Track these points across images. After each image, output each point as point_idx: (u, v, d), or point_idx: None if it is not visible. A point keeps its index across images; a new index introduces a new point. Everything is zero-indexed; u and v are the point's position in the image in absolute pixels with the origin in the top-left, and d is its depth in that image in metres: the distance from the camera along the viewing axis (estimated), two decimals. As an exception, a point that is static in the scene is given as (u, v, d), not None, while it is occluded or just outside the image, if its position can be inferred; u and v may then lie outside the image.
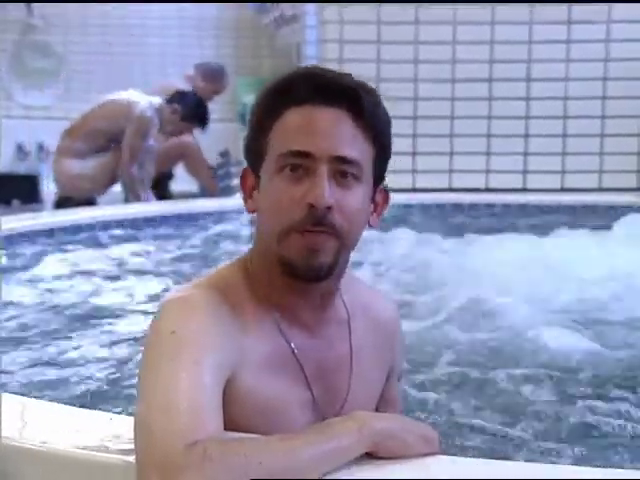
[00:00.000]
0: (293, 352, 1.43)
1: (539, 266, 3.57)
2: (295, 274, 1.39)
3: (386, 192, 1.48)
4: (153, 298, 3.36)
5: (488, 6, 5.35)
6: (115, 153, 5.74)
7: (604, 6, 5.35)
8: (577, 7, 5.38)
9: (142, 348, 1.36)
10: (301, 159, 1.36)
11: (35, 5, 8.52)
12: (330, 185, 1.36)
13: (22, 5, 8.48)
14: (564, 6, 5.38)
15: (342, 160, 1.37)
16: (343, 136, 1.37)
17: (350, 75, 1.42)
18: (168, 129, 5.79)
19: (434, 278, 3.53)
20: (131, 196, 5.72)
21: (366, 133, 1.39)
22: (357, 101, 1.37)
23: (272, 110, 1.40)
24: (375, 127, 1.40)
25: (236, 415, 1.34)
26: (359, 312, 1.53)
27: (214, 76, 6.67)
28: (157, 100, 5.76)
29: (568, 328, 2.96)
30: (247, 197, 1.46)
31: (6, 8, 8.37)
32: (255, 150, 1.43)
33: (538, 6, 5.38)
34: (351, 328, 1.51)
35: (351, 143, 1.37)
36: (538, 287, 3.38)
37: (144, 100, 5.74)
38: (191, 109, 5.74)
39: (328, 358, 1.48)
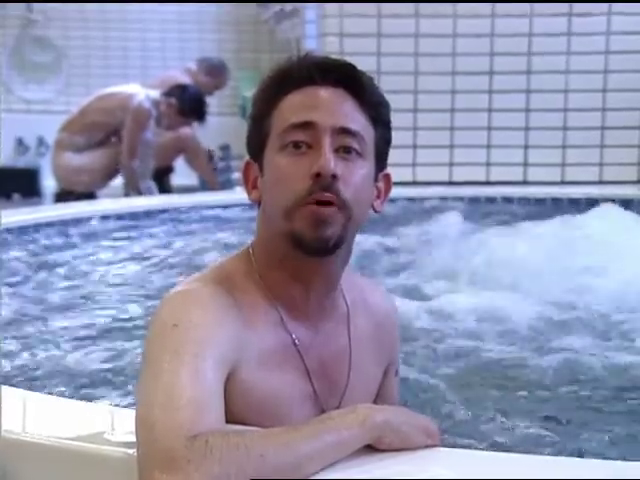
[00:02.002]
0: (295, 345, 1.43)
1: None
2: (305, 247, 1.38)
3: (388, 178, 1.48)
4: (155, 290, 3.36)
5: (488, -2, 5.34)
6: (114, 146, 5.74)
7: (605, -2, 5.35)
8: (578, -1, 5.38)
9: (143, 340, 1.36)
10: (303, 132, 1.37)
11: (34, 0, 8.51)
12: (334, 158, 1.36)
13: None
14: (565, -2, 5.37)
15: (345, 132, 1.37)
16: (345, 110, 1.38)
17: (346, 61, 1.43)
18: (164, 123, 5.78)
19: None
20: (131, 189, 5.71)
21: (366, 112, 1.40)
22: (356, 81, 1.39)
23: (272, 97, 1.41)
24: (375, 107, 1.41)
25: (238, 408, 1.34)
26: (359, 307, 1.54)
27: (216, 71, 6.67)
28: (155, 93, 5.75)
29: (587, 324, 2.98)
30: (250, 188, 1.46)
31: (5, 3, 8.36)
32: (257, 137, 1.43)
33: (538, -2, 5.37)
34: (350, 323, 1.52)
35: (353, 117, 1.39)
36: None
37: (142, 93, 5.73)
38: (188, 103, 5.73)
39: (329, 352, 1.48)
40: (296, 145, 1.37)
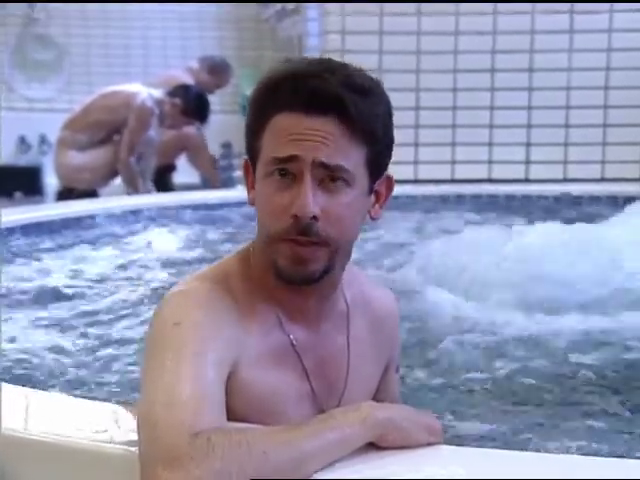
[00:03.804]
0: (293, 345, 1.43)
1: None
2: (286, 280, 1.40)
3: (390, 180, 1.47)
4: (156, 289, 3.36)
5: (490, -4, 5.34)
6: (116, 145, 5.73)
7: (607, -4, 5.34)
8: (579, -3, 5.37)
9: (145, 339, 1.36)
10: (288, 164, 1.35)
11: (36, -1, 8.51)
12: (317, 192, 1.35)
13: (23, -2, 8.48)
14: (566, -4, 5.36)
15: (328, 166, 1.35)
16: (330, 144, 1.35)
17: (337, 74, 1.37)
18: (167, 122, 5.78)
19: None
20: (129, 188, 5.70)
21: (356, 137, 1.37)
22: (344, 109, 1.35)
23: (262, 114, 1.39)
24: (365, 129, 1.37)
25: (237, 408, 1.34)
26: (359, 305, 1.53)
27: (218, 70, 6.67)
28: (158, 92, 5.75)
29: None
30: (250, 187, 1.46)
31: (7, 2, 8.37)
32: (251, 149, 1.43)
33: (540, -4, 5.37)
34: (350, 321, 1.51)
35: (339, 150, 1.36)
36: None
37: (145, 91, 5.74)
38: (191, 104, 5.73)
39: (327, 351, 1.48)
40: (282, 174, 1.36)
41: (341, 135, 1.36)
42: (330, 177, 1.36)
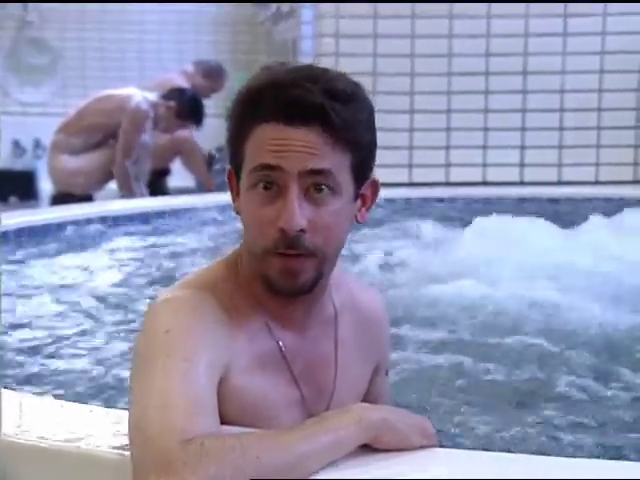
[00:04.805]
0: (281, 351, 1.43)
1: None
2: (278, 292, 1.40)
3: (375, 183, 1.46)
4: (150, 292, 3.36)
5: (484, -1, 5.35)
6: (111, 148, 5.73)
7: (600, -1, 5.35)
8: None
9: (134, 347, 1.36)
10: (272, 172, 1.34)
11: (30, 1, 8.51)
12: (302, 203, 1.34)
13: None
14: (560, -1, 5.38)
15: (314, 173, 1.35)
16: (313, 152, 1.34)
17: (319, 83, 1.35)
18: (162, 125, 5.78)
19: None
20: (124, 191, 5.70)
21: (339, 144, 1.36)
22: (325, 117, 1.33)
23: (244, 124, 1.38)
24: (348, 136, 1.36)
25: (227, 414, 1.34)
26: (347, 308, 1.53)
27: (213, 74, 6.67)
28: (152, 95, 5.75)
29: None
30: (235, 195, 1.45)
31: (1, 4, 8.36)
32: (234, 159, 1.42)
33: (534, -1, 5.38)
34: (337, 326, 1.51)
35: (322, 157, 1.34)
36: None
37: (139, 95, 5.73)
38: (186, 107, 5.73)
39: (315, 356, 1.48)
40: (266, 186, 1.35)
41: (324, 144, 1.34)
42: (315, 186, 1.35)
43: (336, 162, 1.36)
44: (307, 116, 1.34)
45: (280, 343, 1.43)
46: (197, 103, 5.84)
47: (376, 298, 1.63)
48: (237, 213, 1.44)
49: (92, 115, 5.73)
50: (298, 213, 1.33)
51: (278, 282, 1.38)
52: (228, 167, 1.46)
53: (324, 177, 1.35)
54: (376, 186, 1.46)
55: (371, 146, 1.42)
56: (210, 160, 6.43)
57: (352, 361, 1.52)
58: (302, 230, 1.34)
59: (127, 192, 5.67)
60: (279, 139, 1.34)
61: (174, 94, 5.76)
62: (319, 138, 1.34)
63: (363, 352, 1.56)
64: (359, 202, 1.44)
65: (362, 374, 1.57)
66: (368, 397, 1.57)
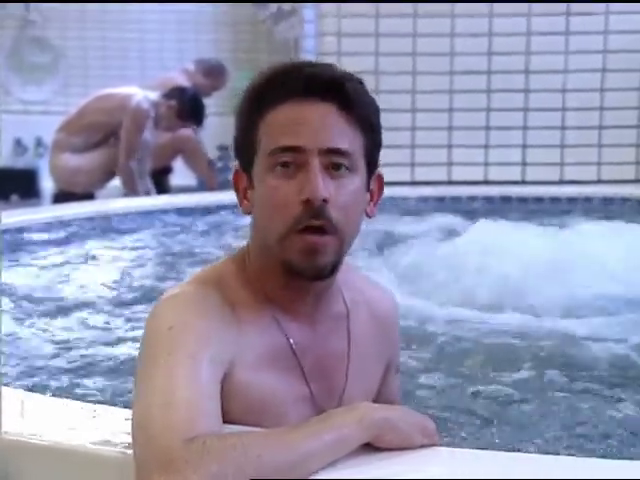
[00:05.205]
0: (291, 347, 1.43)
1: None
2: (298, 274, 1.38)
3: (381, 179, 1.47)
4: (153, 291, 3.36)
5: (486, -2, 5.35)
6: (113, 147, 5.72)
7: (602, -2, 5.35)
8: (575, -1, 5.38)
9: (139, 343, 1.36)
10: (291, 154, 1.35)
11: (32, 0, 8.51)
12: (323, 179, 1.34)
13: (19, 0, 8.47)
14: (562, -2, 5.37)
15: (333, 152, 1.35)
16: (332, 128, 1.36)
17: (333, 66, 1.40)
18: (163, 124, 5.77)
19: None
20: (128, 190, 5.70)
21: (355, 123, 1.37)
22: (343, 93, 1.36)
23: (257, 110, 1.39)
24: (364, 116, 1.38)
25: (233, 410, 1.34)
26: (359, 307, 1.53)
27: (214, 72, 6.66)
28: (153, 95, 5.75)
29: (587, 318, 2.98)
30: (242, 198, 1.44)
31: (3, 4, 8.36)
32: (245, 150, 1.41)
33: (536, -2, 5.38)
34: (350, 323, 1.51)
35: (340, 134, 1.36)
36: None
37: (140, 93, 5.73)
38: (187, 106, 5.73)
39: (326, 353, 1.47)
40: (284, 165, 1.36)
41: (341, 121, 1.36)
42: (333, 165, 1.36)
43: (353, 142, 1.37)
44: (323, 91, 1.35)
45: (289, 338, 1.43)
46: (198, 103, 5.84)
47: (387, 296, 1.63)
48: (247, 213, 1.44)
49: (93, 114, 5.73)
50: (322, 183, 1.33)
51: (300, 263, 1.36)
52: (234, 166, 1.45)
53: (342, 156, 1.36)
54: (381, 181, 1.47)
55: (380, 136, 1.43)
56: (210, 164, 6.43)
57: (365, 359, 1.52)
58: (325, 201, 1.34)
59: (131, 191, 5.66)
60: (296, 117, 1.35)
61: (175, 93, 5.76)
62: (336, 113, 1.36)
63: (376, 350, 1.55)
64: (368, 196, 1.44)
65: (374, 372, 1.57)
66: (380, 396, 1.57)
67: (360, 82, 1.40)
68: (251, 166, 1.41)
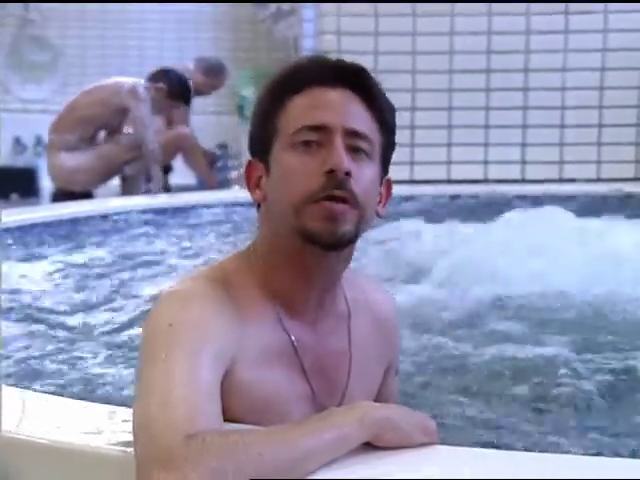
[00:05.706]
0: (293, 345, 1.43)
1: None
2: (318, 243, 1.38)
3: (389, 183, 1.49)
4: (153, 290, 3.36)
5: (485, -3, 5.35)
6: (111, 144, 5.70)
7: (601, -4, 5.35)
8: (574, -3, 5.38)
9: (140, 340, 1.36)
10: (316, 133, 1.37)
11: (32, -1, 8.51)
12: (347, 154, 1.37)
13: (18, -1, 8.48)
14: (561, -4, 5.37)
15: (355, 134, 1.38)
16: (355, 111, 1.40)
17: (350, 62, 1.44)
18: (155, 108, 5.73)
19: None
20: (157, 167, 5.68)
21: (375, 117, 1.41)
22: (366, 84, 1.41)
23: (280, 97, 1.41)
24: (383, 112, 1.42)
25: (234, 407, 1.34)
26: (360, 308, 1.53)
27: (214, 71, 6.65)
28: (141, 81, 5.71)
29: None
30: (254, 187, 1.45)
31: (3, 3, 8.36)
32: (263, 136, 1.43)
33: (535, -4, 5.38)
34: (351, 324, 1.51)
35: (363, 120, 1.40)
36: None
37: (130, 80, 5.72)
38: (176, 86, 5.70)
39: (327, 352, 1.48)
40: (307, 143, 1.38)
41: (363, 109, 1.40)
42: (353, 148, 1.38)
43: (372, 132, 1.41)
44: (348, 79, 1.40)
45: (291, 336, 1.43)
46: (184, 82, 5.82)
47: (389, 298, 1.64)
48: (259, 201, 1.45)
49: (84, 108, 5.68)
50: (346, 157, 1.36)
51: (319, 230, 1.36)
52: (247, 160, 1.47)
53: (363, 141, 1.39)
54: (389, 185, 1.50)
55: (393, 142, 1.46)
56: (213, 159, 6.41)
57: (366, 359, 1.52)
58: (348, 174, 1.35)
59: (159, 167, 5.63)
60: (323, 99, 1.39)
61: (160, 76, 5.72)
62: (358, 103, 1.40)
63: (377, 352, 1.56)
64: (379, 195, 1.45)
65: (375, 373, 1.57)
66: (379, 397, 1.57)
67: (377, 81, 1.44)
68: (268, 154, 1.42)
